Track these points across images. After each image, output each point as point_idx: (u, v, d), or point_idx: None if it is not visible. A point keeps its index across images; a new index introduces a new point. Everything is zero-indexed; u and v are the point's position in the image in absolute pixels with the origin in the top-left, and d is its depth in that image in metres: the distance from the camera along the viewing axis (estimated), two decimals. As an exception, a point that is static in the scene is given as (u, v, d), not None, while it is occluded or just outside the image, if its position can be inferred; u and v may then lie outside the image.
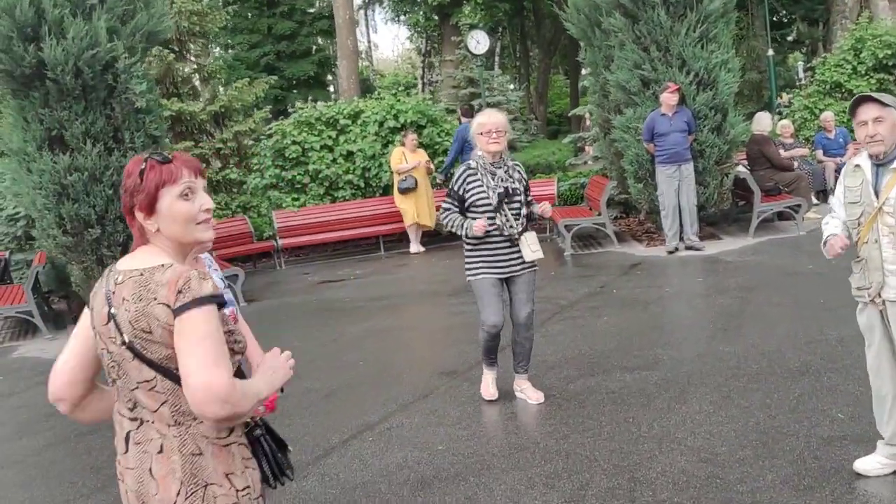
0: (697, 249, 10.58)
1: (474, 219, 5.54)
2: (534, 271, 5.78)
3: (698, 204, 10.83)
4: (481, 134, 5.54)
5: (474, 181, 5.58)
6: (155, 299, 2.16)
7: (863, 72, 14.29)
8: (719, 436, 4.88)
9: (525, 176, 5.81)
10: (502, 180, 5.59)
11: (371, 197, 14.17)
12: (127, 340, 2.21)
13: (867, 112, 3.78)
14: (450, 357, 7.28)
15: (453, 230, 5.64)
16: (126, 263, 2.31)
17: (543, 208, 5.73)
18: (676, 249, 10.66)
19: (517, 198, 5.62)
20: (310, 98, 22.75)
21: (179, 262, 2.32)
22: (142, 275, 2.21)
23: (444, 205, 5.71)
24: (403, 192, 13.10)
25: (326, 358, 7.78)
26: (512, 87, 37.75)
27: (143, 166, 2.30)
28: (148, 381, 2.23)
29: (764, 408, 5.24)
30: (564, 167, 17.25)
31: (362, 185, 14.17)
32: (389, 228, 13.74)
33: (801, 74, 22.76)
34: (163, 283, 2.17)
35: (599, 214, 11.83)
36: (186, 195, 2.31)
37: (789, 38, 31.53)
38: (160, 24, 9.68)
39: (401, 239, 14.02)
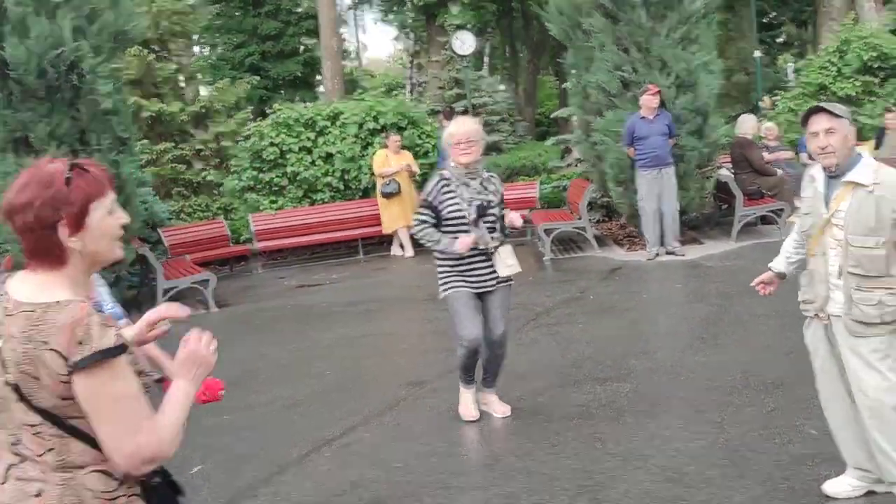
0: (679, 255, 10.40)
1: (449, 232, 5.27)
2: (509, 286, 5.50)
3: (680, 208, 10.64)
4: (452, 145, 5.29)
5: (448, 192, 5.30)
6: (45, 343, 1.92)
7: (847, 74, 14.11)
8: (688, 453, 4.69)
9: (500, 187, 5.53)
10: (477, 192, 5.32)
11: (350, 199, 13.93)
12: (11, 381, 1.98)
13: (819, 123, 3.61)
14: (419, 366, 7.09)
15: (429, 245, 5.35)
16: (20, 288, 2.04)
17: (511, 218, 5.43)
18: (657, 255, 10.47)
19: (492, 210, 5.35)
20: (297, 98, 22.59)
21: (83, 283, 2.10)
22: (34, 311, 1.96)
23: (419, 216, 5.37)
24: (387, 196, 12.90)
25: (295, 366, 7.58)
26: (502, 87, 37.64)
27: (68, 174, 2.04)
28: (33, 426, 2.00)
29: (736, 423, 5.06)
30: (549, 169, 17.07)
31: (341, 187, 13.94)
32: (369, 231, 13.51)
33: (791, 76, 22.60)
34: (57, 325, 1.93)
35: (580, 218, 11.64)
36: (112, 209, 2.10)
37: (779, 40, 31.46)
38: (128, 23, 9.45)
39: (381, 242, 13.80)
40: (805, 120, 3.68)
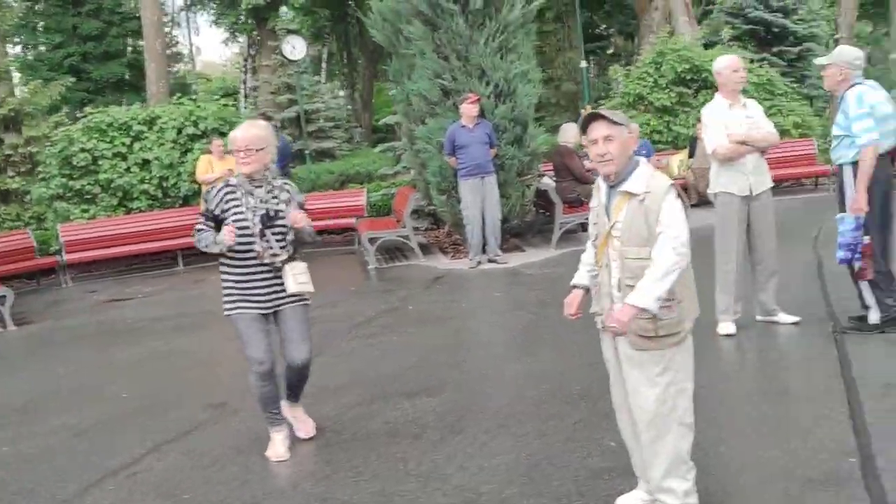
0: (500, 263, 10.43)
1: (235, 243, 4.85)
2: (305, 305, 5.09)
3: (502, 216, 10.67)
4: (233, 152, 4.87)
5: (233, 200, 4.88)
6: None
7: (663, 85, 14.62)
8: (489, 471, 4.56)
9: (297, 198, 5.10)
10: (262, 201, 4.89)
11: (169, 208, 13.36)
12: None
13: (597, 130, 3.56)
14: (224, 386, 6.74)
15: (207, 249, 4.92)
16: None
17: (293, 217, 4.92)
18: (480, 263, 10.47)
19: (281, 221, 4.92)
20: (123, 102, 21.57)
21: None
22: None
23: (197, 226, 4.97)
24: (210, 203, 12.38)
25: (91, 388, 7.08)
26: (342, 93, 37.31)
27: None
28: None
29: (539, 436, 4.98)
30: (381, 177, 16.93)
31: (159, 195, 13.36)
32: (190, 241, 12.91)
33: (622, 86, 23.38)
34: None
35: (405, 227, 11.51)
36: None
37: (609, 52, 32.55)
38: None
39: (203, 252, 13.24)
40: (584, 127, 3.62)
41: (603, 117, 3.54)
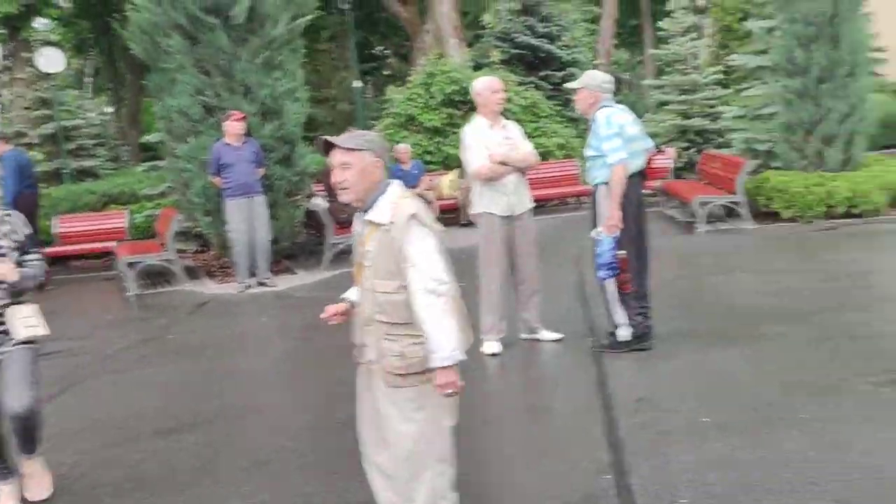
0: (270, 286, 10.08)
1: None
2: (30, 350, 4.48)
3: (272, 237, 10.32)
4: None
5: None
6: None
7: (433, 106, 14.75)
8: (240, 515, 4.27)
9: (22, 230, 4.52)
10: None
11: None
12: None
13: (334, 157, 3.40)
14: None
15: None
16: None
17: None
18: (248, 287, 10.06)
19: None
20: None
21: None
22: None
23: None
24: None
25: None
26: (111, 109, 35.37)
27: None
28: None
29: (299, 471, 4.74)
30: (147, 197, 16.05)
31: None
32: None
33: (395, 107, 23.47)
34: None
35: (168, 250, 10.91)
36: None
37: (386, 73, 32.81)
38: None
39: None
40: (326, 152, 3.44)
41: (336, 144, 3.37)
